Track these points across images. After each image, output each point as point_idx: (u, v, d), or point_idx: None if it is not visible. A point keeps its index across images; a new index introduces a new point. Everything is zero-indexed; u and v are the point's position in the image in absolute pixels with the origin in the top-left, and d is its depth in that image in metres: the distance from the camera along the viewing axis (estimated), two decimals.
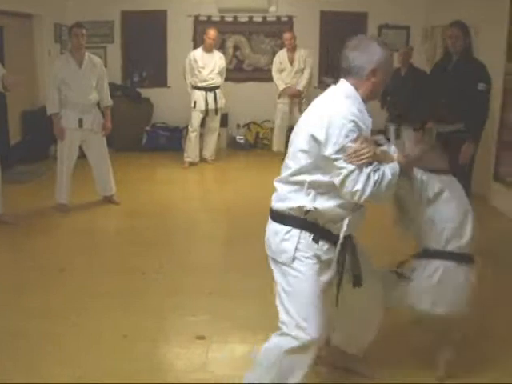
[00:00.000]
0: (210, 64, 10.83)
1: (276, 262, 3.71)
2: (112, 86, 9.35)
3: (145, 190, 9.35)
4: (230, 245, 7.25)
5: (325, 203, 3.52)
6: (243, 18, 13.12)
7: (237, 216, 8.22)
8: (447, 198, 4.04)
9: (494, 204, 8.75)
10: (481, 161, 9.15)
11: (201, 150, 11.30)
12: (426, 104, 7.24)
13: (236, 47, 13.25)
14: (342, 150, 3.35)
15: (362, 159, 3.35)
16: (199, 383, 4.28)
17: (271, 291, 5.44)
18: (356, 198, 3.38)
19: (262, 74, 12.80)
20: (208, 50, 10.86)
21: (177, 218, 8.22)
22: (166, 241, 7.13)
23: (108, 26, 12.76)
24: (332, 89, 3.70)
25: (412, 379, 4.24)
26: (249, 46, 13.27)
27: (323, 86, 12.54)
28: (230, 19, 13.10)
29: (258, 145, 12.79)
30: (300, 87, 11.08)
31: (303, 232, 3.57)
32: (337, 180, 3.41)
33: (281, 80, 11.23)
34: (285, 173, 3.64)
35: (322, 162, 3.44)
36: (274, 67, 11.37)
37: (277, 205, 3.69)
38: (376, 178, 3.38)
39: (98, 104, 8.32)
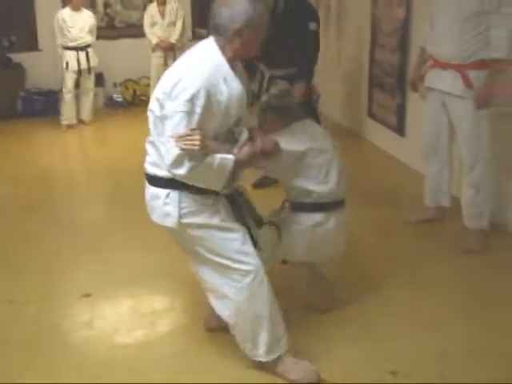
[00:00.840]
0: (79, 23, 10.60)
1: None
2: None
3: (23, 156, 9.13)
4: (111, 202, 7.22)
5: None
6: None
7: (117, 175, 8.16)
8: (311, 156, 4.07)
9: (369, 139, 9.03)
10: (354, 98, 9.40)
11: (78, 112, 11.11)
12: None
13: (106, 4, 12.97)
14: (177, 113, 3.26)
15: (188, 145, 3.22)
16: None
17: (154, 243, 5.51)
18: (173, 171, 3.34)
19: (135, 30, 12.58)
20: (76, 8, 10.60)
21: (58, 182, 8.13)
22: (48, 204, 7.04)
23: None
24: (198, 45, 3.54)
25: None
26: (120, 2, 13.02)
27: (198, 37, 12.55)
28: None
29: (135, 102, 12.59)
30: (173, 40, 11.01)
31: (183, 192, 3.48)
32: (162, 148, 3.38)
33: (153, 34, 11.11)
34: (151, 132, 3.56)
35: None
36: (146, 21, 11.23)
37: (151, 169, 3.61)
38: (193, 163, 3.30)
39: None
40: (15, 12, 12.66)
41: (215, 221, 3.53)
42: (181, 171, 3.29)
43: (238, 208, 3.67)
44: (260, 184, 6.87)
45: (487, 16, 5.04)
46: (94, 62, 10.85)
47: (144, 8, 12.28)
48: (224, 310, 3.75)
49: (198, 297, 4.31)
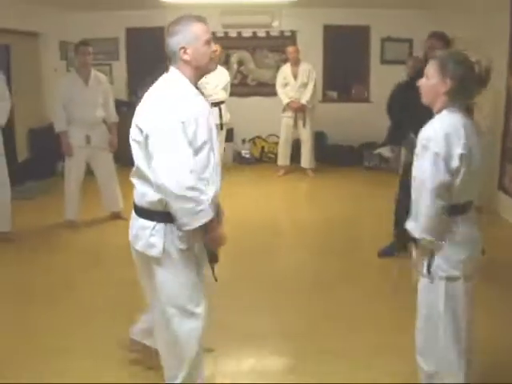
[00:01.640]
0: (214, 80, 10.87)
1: (147, 257, 3.78)
2: (118, 103, 9.41)
3: None
4: (236, 258, 7.26)
5: None
6: (247, 33, 13.23)
7: (242, 229, 8.26)
8: None
9: (500, 214, 8.80)
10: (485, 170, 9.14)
11: None
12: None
13: (240, 62, 13.35)
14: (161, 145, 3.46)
15: None
16: None
17: (279, 305, 5.56)
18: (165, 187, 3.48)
19: (267, 89, 12.89)
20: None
21: None
22: None
23: (113, 43, 12.86)
24: (163, 78, 3.77)
25: None
26: (253, 60, 13.36)
27: (328, 99, 12.70)
28: (233, 35, 13.20)
29: (263, 159, 12.86)
30: (304, 101, 11.15)
31: (168, 225, 3.66)
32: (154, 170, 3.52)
33: (285, 94, 11.30)
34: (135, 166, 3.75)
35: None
36: (278, 81, 11.46)
37: (138, 201, 3.76)
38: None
39: (105, 121, 8.39)
40: (152, 65, 13.09)
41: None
42: (173, 187, 3.44)
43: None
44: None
45: None
46: (226, 118, 11.06)
47: (276, 68, 12.55)
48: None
49: (319, 363, 4.32)
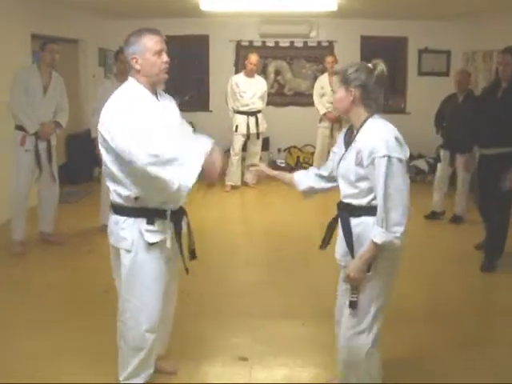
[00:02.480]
0: (251, 89, 10.92)
1: (118, 249, 4.01)
2: None
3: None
4: (270, 268, 7.27)
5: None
6: (284, 43, 13.27)
7: (276, 240, 8.27)
8: None
9: None
10: None
11: (242, 174, 11.39)
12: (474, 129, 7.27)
13: (277, 72, 13.39)
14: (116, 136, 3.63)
15: None
16: None
17: (314, 314, 5.55)
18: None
19: (303, 99, 12.91)
20: (250, 74, 10.98)
21: (217, 241, 8.24)
22: (206, 263, 7.15)
23: None
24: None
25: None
26: (290, 70, 13.39)
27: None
28: (271, 44, 13.26)
29: (298, 169, 12.64)
30: None
31: (138, 219, 3.89)
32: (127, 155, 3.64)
33: (322, 104, 11.29)
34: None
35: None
36: (315, 92, 11.45)
37: (112, 198, 3.97)
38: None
39: None
40: (190, 73, 13.22)
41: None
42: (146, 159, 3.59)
43: (179, 229, 4.07)
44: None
45: None
46: (262, 127, 11.11)
47: (313, 78, 12.57)
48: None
49: None
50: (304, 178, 4.36)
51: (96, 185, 9.40)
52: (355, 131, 3.74)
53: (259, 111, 11.05)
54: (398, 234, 3.55)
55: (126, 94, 3.83)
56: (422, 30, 12.51)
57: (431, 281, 6.78)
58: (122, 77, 8.08)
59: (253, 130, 11.00)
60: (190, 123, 11.92)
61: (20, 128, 7.32)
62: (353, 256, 3.77)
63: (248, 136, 11.07)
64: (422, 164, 11.70)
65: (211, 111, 13.18)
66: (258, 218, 9.83)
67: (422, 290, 6.49)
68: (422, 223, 8.87)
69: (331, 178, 4.19)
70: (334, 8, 10.04)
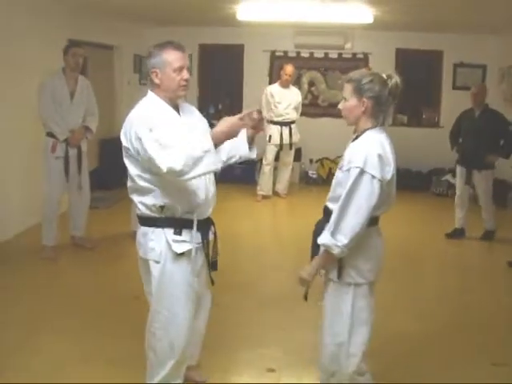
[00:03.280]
0: (286, 99, 10.93)
1: (147, 260, 4.00)
2: None
3: (217, 221, 9.35)
4: (294, 277, 7.24)
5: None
6: (319, 54, 13.26)
7: (308, 250, 8.23)
8: None
9: None
10: None
11: (274, 184, 11.39)
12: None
13: (311, 83, 13.38)
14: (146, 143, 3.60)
15: None
16: None
17: None
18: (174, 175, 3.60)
19: (337, 110, 12.62)
20: (285, 85, 10.97)
21: (247, 251, 8.28)
22: (236, 272, 7.15)
23: None
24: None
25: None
26: (324, 81, 13.37)
27: (398, 123, 12.61)
28: (306, 55, 13.25)
29: (329, 180, 12.65)
30: None
31: (165, 229, 3.88)
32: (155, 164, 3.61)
33: None
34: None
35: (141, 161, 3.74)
36: None
37: (138, 210, 3.96)
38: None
39: None
40: (224, 82, 13.26)
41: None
42: (177, 167, 3.54)
43: (207, 238, 4.07)
44: None
45: None
46: (296, 137, 11.11)
47: None
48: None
49: None
50: None
51: (127, 191, 9.42)
52: (353, 139, 3.74)
53: (293, 122, 11.05)
54: (340, 244, 3.50)
55: (147, 107, 3.84)
56: (457, 43, 12.43)
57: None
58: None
59: (286, 140, 11.00)
60: None
61: (51, 135, 7.39)
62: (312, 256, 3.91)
63: (281, 146, 11.07)
64: (453, 179, 11.63)
65: None
66: (288, 228, 9.83)
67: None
68: (444, 241, 8.81)
69: None
70: (370, 20, 10.02)
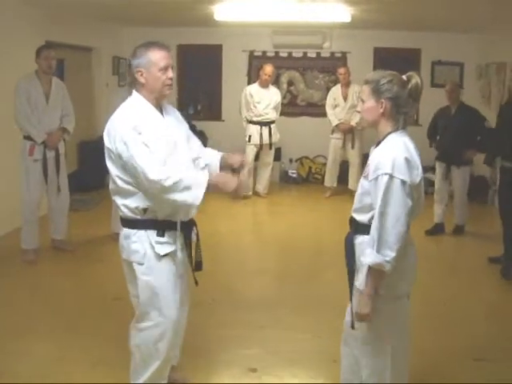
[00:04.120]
0: (265, 99, 10.93)
1: (131, 263, 4.00)
2: None
3: (197, 222, 9.31)
4: (281, 279, 7.26)
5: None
6: (297, 53, 13.27)
7: (288, 250, 8.26)
8: None
9: None
10: None
11: (254, 184, 11.40)
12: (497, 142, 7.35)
13: (290, 82, 13.39)
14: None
15: None
16: None
17: (324, 327, 5.53)
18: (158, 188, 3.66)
19: (316, 110, 12.91)
20: (264, 85, 10.98)
21: (228, 251, 8.26)
22: (217, 273, 7.11)
23: None
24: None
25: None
26: (303, 81, 13.38)
27: None
28: (284, 55, 13.26)
29: (310, 179, 12.82)
30: (353, 123, 11.02)
31: (148, 231, 3.89)
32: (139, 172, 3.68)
33: (334, 115, 11.22)
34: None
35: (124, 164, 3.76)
36: (328, 102, 11.39)
37: (121, 212, 3.98)
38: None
39: None
40: (203, 83, 13.25)
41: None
42: (166, 183, 3.63)
43: (189, 238, 4.10)
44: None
45: None
46: (275, 137, 11.12)
47: (326, 89, 12.57)
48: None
49: None
50: None
51: (107, 193, 9.38)
52: (376, 144, 3.64)
53: (273, 122, 11.06)
54: (388, 259, 3.35)
55: (131, 108, 3.85)
56: (435, 41, 12.46)
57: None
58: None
59: (266, 140, 11.02)
60: (202, 133, 12.03)
61: (28, 138, 7.34)
62: (352, 279, 3.72)
63: (261, 146, 11.09)
64: (433, 176, 11.65)
65: (223, 121, 13.20)
66: (269, 227, 9.84)
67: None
68: (424, 237, 8.84)
69: None
70: (348, 19, 10.04)
